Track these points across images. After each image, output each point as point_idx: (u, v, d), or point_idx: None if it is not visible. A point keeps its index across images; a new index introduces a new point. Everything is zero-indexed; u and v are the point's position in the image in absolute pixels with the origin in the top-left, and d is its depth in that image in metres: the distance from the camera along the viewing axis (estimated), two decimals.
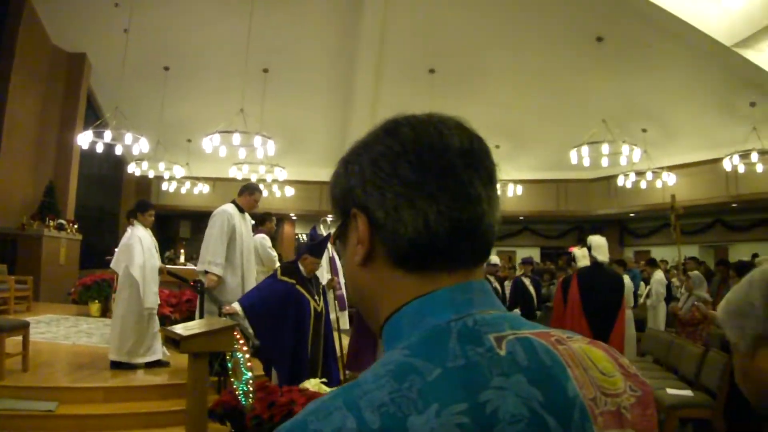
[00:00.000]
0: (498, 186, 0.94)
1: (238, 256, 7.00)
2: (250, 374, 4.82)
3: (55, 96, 17.51)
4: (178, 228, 25.36)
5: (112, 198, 22.27)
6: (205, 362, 4.70)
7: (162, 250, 11.11)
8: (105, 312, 12.41)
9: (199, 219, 25.22)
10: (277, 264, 9.20)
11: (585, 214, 21.50)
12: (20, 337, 6.75)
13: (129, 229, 8.18)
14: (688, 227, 18.86)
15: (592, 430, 0.79)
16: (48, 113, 17.26)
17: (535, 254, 22.20)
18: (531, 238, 23.12)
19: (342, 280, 9.90)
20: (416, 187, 0.86)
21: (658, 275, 11.70)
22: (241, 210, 7.17)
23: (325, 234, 7.68)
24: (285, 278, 6.08)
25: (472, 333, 0.81)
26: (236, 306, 5.81)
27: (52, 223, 15.80)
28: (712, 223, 19.24)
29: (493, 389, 0.74)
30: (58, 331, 9.81)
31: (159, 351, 7.34)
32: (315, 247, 6.47)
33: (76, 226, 17.04)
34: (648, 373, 7.81)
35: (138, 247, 7.37)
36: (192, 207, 22.73)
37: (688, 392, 6.59)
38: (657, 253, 20.15)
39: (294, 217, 24.73)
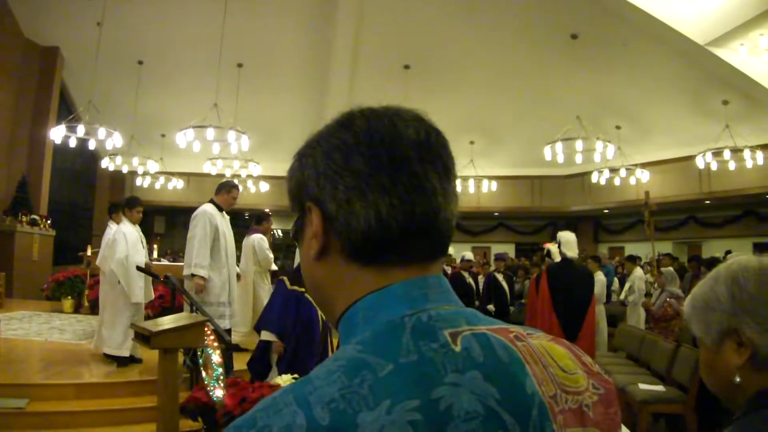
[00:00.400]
0: (457, 180, 0.94)
1: (223, 256, 6.96)
2: (220, 370, 4.82)
3: (28, 90, 17.34)
4: (153, 223, 25.19)
5: (85, 193, 22.11)
6: (176, 358, 4.68)
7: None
8: (78, 308, 12.35)
9: (174, 214, 25.18)
10: (273, 266, 9.21)
11: (560, 210, 21.64)
12: None
13: (111, 225, 8.12)
14: (662, 224, 19.06)
15: (552, 429, 0.78)
16: (20, 107, 17.11)
17: (510, 250, 22.34)
18: (506, 234, 23.24)
19: None
20: (368, 180, 0.85)
21: (638, 272, 11.75)
22: (220, 209, 7.10)
23: None
24: (295, 287, 6.03)
25: (426, 328, 0.80)
26: (269, 335, 5.84)
27: (24, 218, 15.64)
28: (686, 219, 19.50)
29: (447, 385, 0.73)
30: (31, 328, 9.73)
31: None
32: None
33: (49, 222, 16.88)
34: (620, 368, 7.89)
35: (122, 243, 7.31)
36: (166, 202, 22.64)
37: (660, 387, 6.66)
38: (631, 249, 20.36)
39: (270, 213, 24.60)
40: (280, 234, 26.25)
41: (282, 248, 26.25)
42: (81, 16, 15.73)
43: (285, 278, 6.20)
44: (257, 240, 8.93)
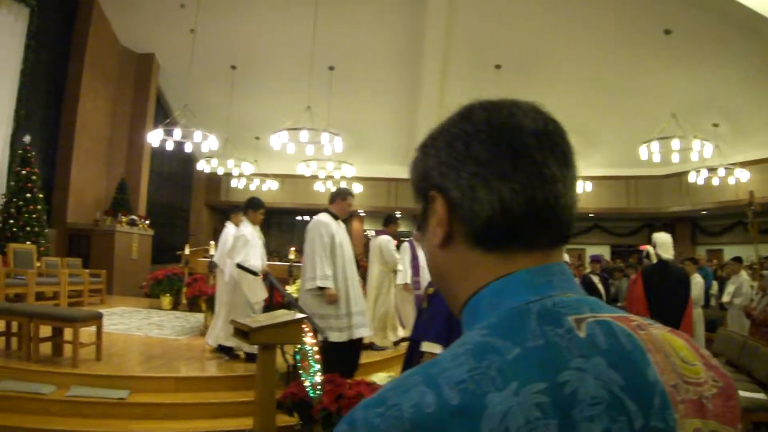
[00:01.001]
0: (575, 169, 0.94)
1: (340, 267, 6.79)
2: (318, 366, 4.83)
3: (125, 96, 18.02)
4: None
5: (182, 195, 22.75)
6: (274, 354, 4.72)
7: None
8: (176, 305, 12.66)
9: (269, 215, 25.53)
10: (399, 266, 9.26)
11: (656, 211, 21.05)
12: (94, 328, 6.90)
13: (229, 225, 8.26)
14: (765, 225, 18.31)
15: (673, 417, 0.77)
16: (118, 112, 17.77)
17: (605, 252, 21.86)
18: (601, 236, 22.74)
19: (423, 279, 9.98)
20: (490, 167, 0.86)
21: (745, 275, 11.28)
22: (336, 217, 6.99)
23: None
24: None
25: (551, 314, 0.80)
26: (433, 347, 5.87)
27: (124, 218, 16.21)
28: None
29: (573, 370, 0.73)
30: (131, 323, 10.03)
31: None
32: None
33: (147, 222, 17.42)
34: None
35: (242, 245, 7.40)
36: None
37: (761, 395, 6.40)
38: (730, 251, 19.64)
39: (362, 214, 24.84)
40: (373, 234, 26.39)
41: None
42: (174, 23, 16.21)
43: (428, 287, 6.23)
44: (384, 242, 8.96)
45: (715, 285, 13.53)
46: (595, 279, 12.10)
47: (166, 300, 12.67)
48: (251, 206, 7.78)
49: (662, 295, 7.89)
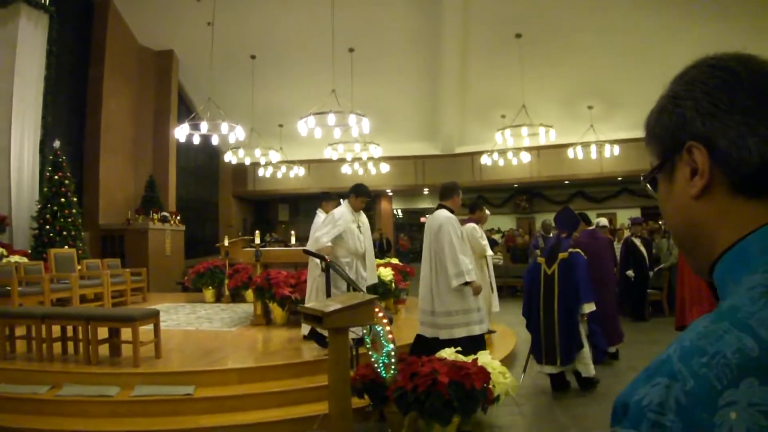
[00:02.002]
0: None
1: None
2: (391, 346, 4.76)
3: (147, 93, 18.05)
4: (277, 212, 25.78)
5: (210, 188, 22.79)
6: (347, 337, 4.66)
7: (262, 233, 11.24)
8: (219, 297, 12.65)
9: (296, 201, 25.68)
10: (489, 251, 9.20)
11: None
12: (150, 326, 6.88)
13: (319, 213, 8.19)
14: None
15: None
16: (142, 111, 17.80)
17: (636, 215, 21.66)
18: (631, 199, 22.55)
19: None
20: (756, 115, 0.85)
21: None
22: (452, 211, 6.99)
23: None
24: None
25: None
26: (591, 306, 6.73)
27: (155, 216, 16.25)
28: None
29: None
30: (179, 318, 10.03)
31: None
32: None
33: (178, 218, 17.45)
34: None
35: (330, 228, 7.37)
36: (289, 190, 23.13)
37: None
38: None
39: (390, 193, 24.81)
40: (400, 214, 26.39)
41: (406, 227, 26.35)
42: (191, 18, 16.16)
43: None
44: (469, 229, 8.88)
45: None
46: (637, 242, 11.97)
47: (209, 293, 12.64)
48: (354, 191, 7.61)
49: None
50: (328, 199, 8.36)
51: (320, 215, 8.20)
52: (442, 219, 6.77)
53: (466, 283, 6.51)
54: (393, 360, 4.80)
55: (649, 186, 1.00)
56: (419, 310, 6.95)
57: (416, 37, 17.84)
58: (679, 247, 1.00)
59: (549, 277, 6.86)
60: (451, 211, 6.96)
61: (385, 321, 4.85)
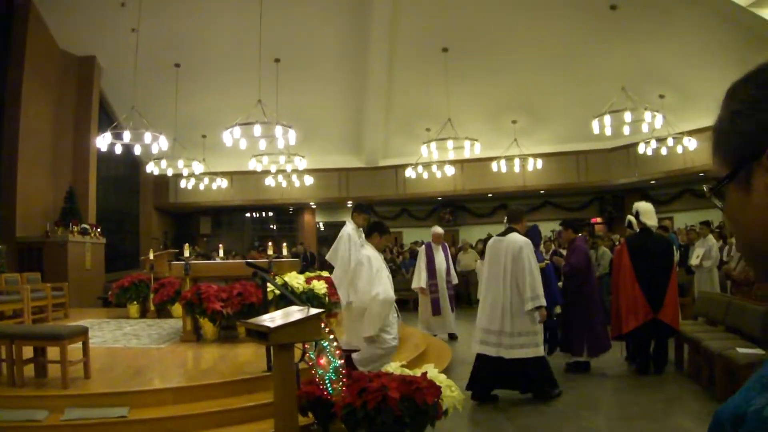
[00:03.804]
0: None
1: None
2: (339, 362, 4.66)
3: (68, 101, 17.42)
4: (199, 225, 25.28)
5: (130, 199, 22.19)
6: (293, 353, 4.56)
7: (181, 247, 10.98)
8: (144, 313, 12.30)
9: (218, 214, 25.26)
10: None
11: (606, 184, 21.33)
12: (79, 344, 6.60)
13: (348, 223, 7.97)
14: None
15: None
16: (61, 118, 17.18)
17: (557, 228, 22.08)
18: (552, 211, 22.90)
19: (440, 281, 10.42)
20: None
21: (712, 239, 11.54)
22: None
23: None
24: None
25: None
26: None
27: (75, 228, 15.72)
28: None
29: None
30: (104, 335, 9.68)
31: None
32: None
33: (98, 230, 16.94)
34: (709, 334, 7.71)
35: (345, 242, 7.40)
36: (212, 202, 22.73)
37: (758, 350, 6.58)
38: (680, 218, 20.11)
39: (314, 206, 24.65)
40: (322, 227, 26.26)
41: (329, 240, 26.22)
42: (115, 23, 15.75)
43: None
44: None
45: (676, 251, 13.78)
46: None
47: (134, 308, 12.27)
48: (378, 230, 7.38)
49: (648, 262, 8.04)
50: (360, 210, 8.07)
51: (348, 225, 7.86)
52: (521, 242, 7.12)
53: (538, 308, 6.92)
54: (339, 376, 4.70)
55: (714, 197, 0.97)
56: (481, 329, 7.14)
57: (343, 49, 17.83)
58: (751, 259, 0.96)
59: None
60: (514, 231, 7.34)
61: (332, 336, 4.75)
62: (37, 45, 15.83)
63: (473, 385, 7.05)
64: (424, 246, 11.29)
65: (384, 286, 6.74)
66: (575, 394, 7.19)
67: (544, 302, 6.94)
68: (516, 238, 7.18)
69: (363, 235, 7.40)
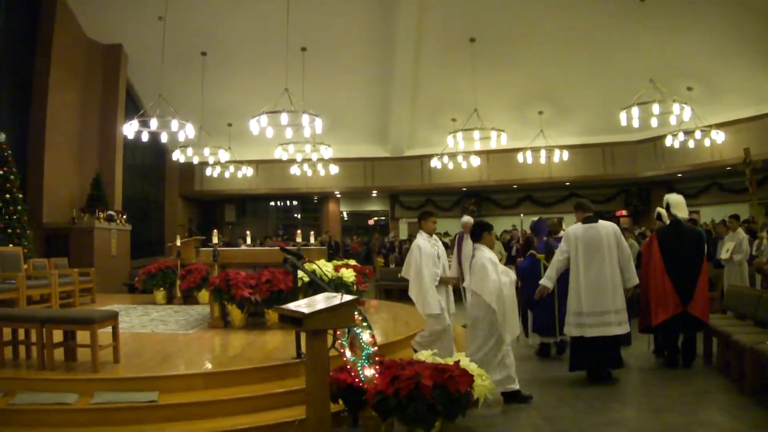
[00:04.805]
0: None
1: None
2: (372, 350, 4.61)
3: (94, 89, 17.55)
4: (224, 212, 25.38)
5: (156, 187, 22.31)
6: (326, 339, 4.52)
7: (210, 234, 10.97)
8: (171, 299, 12.33)
9: (243, 202, 25.34)
10: None
11: (632, 176, 21.18)
12: (108, 329, 6.60)
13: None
14: (737, 185, 18.46)
15: None
16: (88, 107, 17.31)
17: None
18: None
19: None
20: None
21: (742, 232, 11.38)
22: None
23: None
24: None
25: None
26: None
27: (101, 215, 15.84)
28: (762, 179, 18.68)
29: None
30: (132, 321, 9.72)
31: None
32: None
33: (124, 217, 17.04)
34: (740, 328, 7.59)
35: (416, 254, 7.38)
36: (236, 191, 22.82)
37: None
38: (707, 212, 19.86)
39: (338, 195, 24.66)
40: (346, 216, 26.28)
41: (353, 229, 26.22)
42: (142, 12, 15.85)
43: None
44: None
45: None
46: None
47: (160, 294, 12.30)
48: (421, 216, 7.89)
49: (678, 254, 7.94)
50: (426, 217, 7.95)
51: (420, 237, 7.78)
52: (615, 227, 7.58)
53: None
54: (371, 363, 4.65)
55: None
56: (579, 313, 7.37)
57: (370, 39, 17.76)
58: None
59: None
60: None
61: (365, 324, 4.70)
62: (64, 34, 15.94)
63: (581, 365, 7.47)
64: (456, 236, 11.20)
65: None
66: (604, 386, 7.12)
67: (637, 281, 7.59)
68: (608, 223, 7.61)
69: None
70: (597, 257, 7.37)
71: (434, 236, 7.71)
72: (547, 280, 7.54)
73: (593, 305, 7.27)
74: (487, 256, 6.61)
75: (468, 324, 6.91)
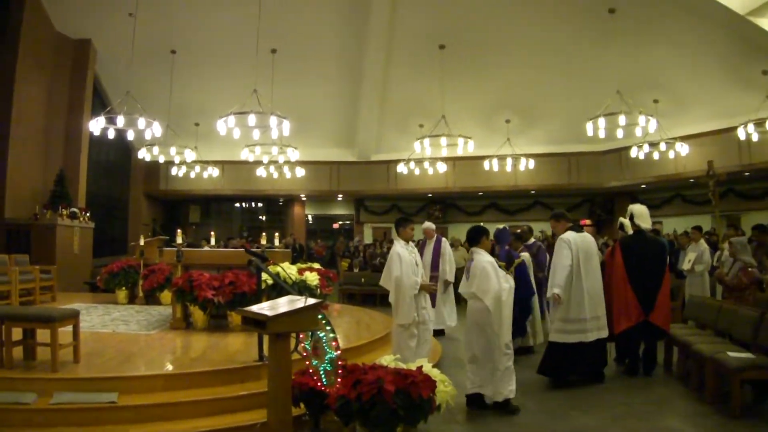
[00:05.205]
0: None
1: None
2: (335, 354, 4.62)
3: (62, 83, 17.26)
4: (188, 212, 25.19)
5: (121, 185, 22.06)
6: (288, 342, 4.52)
7: (173, 234, 10.89)
8: (132, 299, 12.22)
9: (208, 203, 25.17)
10: None
11: (597, 186, 21.42)
12: (69, 327, 6.54)
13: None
14: (700, 197, 18.78)
15: None
16: (55, 101, 17.03)
17: (546, 228, 22.10)
18: (542, 212, 22.93)
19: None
20: None
21: (704, 243, 11.58)
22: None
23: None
24: None
25: None
26: None
27: (64, 212, 15.63)
28: (725, 192, 19.01)
29: None
30: (92, 320, 9.62)
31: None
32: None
33: (87, 215, 16.84)
34: (701, 338, 7.73)
35: (396, 263, 7.24)
36: (201, 191, 22.67)
37: (749, 355, 6.61)
38: (669, 223, 20.14)
39: (304, 198, 24.61)
40: (311, 220, 26.26)
41: (317, 233, 26.17)
42: (112, 7, 15.63)
43: None
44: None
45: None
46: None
47: (122, 294, 12.19)
48: (397, 224, 7.77)
49: (641, 264, 8.06)
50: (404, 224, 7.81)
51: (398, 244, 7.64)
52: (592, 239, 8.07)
53: None
54: (334, 368, 4.66)
55: None
56: (567, 320, 7.50)
57: (339, 42, 17.77)
58: None
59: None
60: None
61: (328, 327, 4.71)
62: (32, 26, 15.70)
63: (549, 371, 7.67)
64: (420, 242, 11.31)
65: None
66: (565, 393, 7.20)
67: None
68: (589, 236, 8.11)
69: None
70: (592, 264, 7.71)
71: (410, 243, 7.61)
72: (558, 289, 7.43)
73: (594, 310, 7.56)
74: (488, 260, 6.64)
75: (469, 327, 6.83)
